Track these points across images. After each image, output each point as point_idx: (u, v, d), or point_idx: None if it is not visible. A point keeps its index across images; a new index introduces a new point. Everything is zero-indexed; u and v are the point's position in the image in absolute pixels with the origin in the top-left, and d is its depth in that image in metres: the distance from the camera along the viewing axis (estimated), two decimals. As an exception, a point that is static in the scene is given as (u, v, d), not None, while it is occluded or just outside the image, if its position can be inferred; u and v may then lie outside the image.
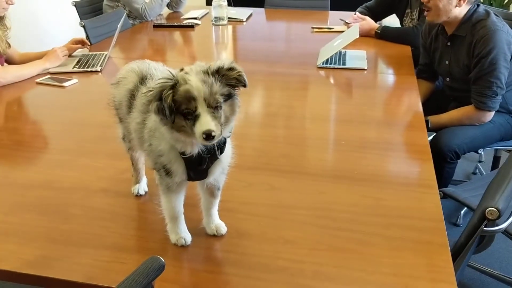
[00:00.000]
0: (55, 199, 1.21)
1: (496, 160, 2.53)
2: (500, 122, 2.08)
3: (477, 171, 2.82)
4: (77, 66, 2.20)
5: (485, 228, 1.03)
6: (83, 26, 2.70)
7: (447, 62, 2.13)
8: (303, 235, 1.07)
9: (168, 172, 0.95)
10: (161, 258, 0.74)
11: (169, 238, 1.04)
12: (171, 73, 0.86)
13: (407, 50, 2.56)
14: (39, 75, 2.09)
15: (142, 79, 1.02)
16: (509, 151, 2.23)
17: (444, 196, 1.75)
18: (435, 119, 2.08)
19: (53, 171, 1.35)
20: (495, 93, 1.96)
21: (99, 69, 2.17)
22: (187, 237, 1.02)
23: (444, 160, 1.95)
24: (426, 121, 2.01)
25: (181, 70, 0.88)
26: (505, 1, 4.15)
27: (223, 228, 1.06)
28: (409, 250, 1.02)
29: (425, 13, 2.07)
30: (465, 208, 2.37)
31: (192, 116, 0.84)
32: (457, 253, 1.08)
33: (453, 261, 1.08)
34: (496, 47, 1.91)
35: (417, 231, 1.08)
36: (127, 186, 1.24)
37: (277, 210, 1.16)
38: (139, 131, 0.98)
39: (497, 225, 1.06)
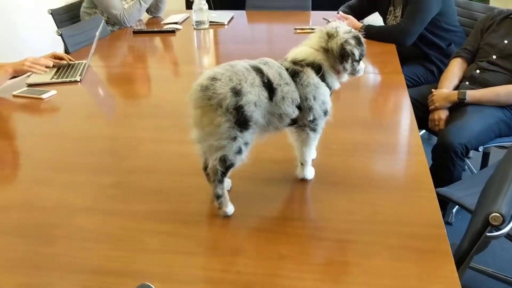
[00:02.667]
0: (36, 220, 1.14)
1: (485, 156, 2.52)
2: (500, 117, 2.10)
3: (466, 168, 2.81)
4: (55, 77, 2.11)
5: (488, 234, 0.99)
6: (60, 35, 2.62)
7: (506, 42, 2.21)
8: (300, 249, 1.02)
9: (326, 112, 1.23)
10: (151, 285, 0.68)
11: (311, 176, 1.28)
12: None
13: (392, 48, 2.53)
14: (16, 88, 2.00)
15: (259, 72, 1.12)
16: (500, 147, 2.23)
17: (438, 197, 1.73)
18: (471, 92, 2.15)
19: (32, 190, 1.27)
20: None
21: (79, 79, 2.09)
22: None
23: (456, 155, 1.95)
24: (464, 93, 2.14)
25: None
26: (485, -4, 4.18)
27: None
28: (411, 260, 0.97)
29: None
30: (457, 205, 2.36)
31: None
32: (460, 260, 1.04)
33: (457, 268, 1.04)
34: None
35: (418, 238, 1.04)
36: (112, 203, 1.18)
37: (272, 222, 1.11)
38: (294, 100, 1.16)
39: (500, 229, 1.02)
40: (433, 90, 2.28)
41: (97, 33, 2.21)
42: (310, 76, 1.17)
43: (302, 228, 1.09)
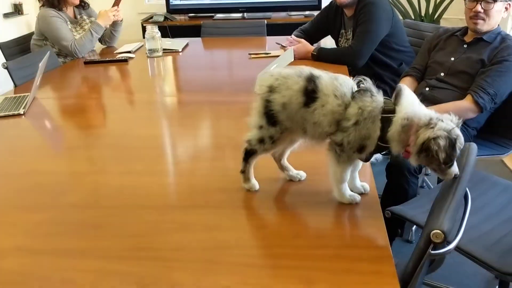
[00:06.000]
0: (-40, 265, 1.05)
1: (441, 172, 2.54)
2: None
3: (424, 184, 2.83)
4: (-3, 111, 2.03)
5: (433, 252, 0.97)
6: (6, 68, 2.54)
7: (452, 59, 2.25)
8: (242, 279, 0.97)
9: (361, 150, 1.15)
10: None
11: (341, 200, 1.23)
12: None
13: (344, 69, 2.56)
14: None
15: (309, 80, 1.17)
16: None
17: (392, 215, 1.71)
18: None
19: (-40, 232, 1.19)
20: (494, 96, 2.08)
21: (22, 112, 2.01)
22: (356, 196, 1.24)
23: (409, 172, 1.94)
24: None
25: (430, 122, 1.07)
26: (435, 17, 4.31)
27: (366, 185, 1.29)
28: (356, 284, 0.94)
29: (479, 21, 2.17)
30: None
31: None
32: (407, 281, 1.01)
33: (404, 289, 1.02)
34: None
35: (362, 261, 1.00)
36: (45, 242, 1.11)
37: (213, 253, 1.06)
38: (334, 113, 1.15)
39: (447, 244, 1.00)
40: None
41: (40, 65, 2.15)
42: (375, 106, 1.11)
43: (244, 257, 1.04)
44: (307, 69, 1.20)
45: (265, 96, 1.21)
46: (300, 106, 1.18)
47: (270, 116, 1.21)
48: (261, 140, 1.25)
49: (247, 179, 1.31)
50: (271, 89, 1.20)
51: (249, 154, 1.28)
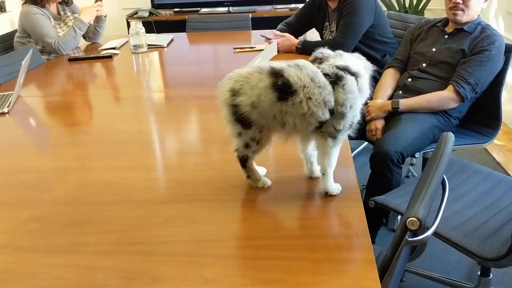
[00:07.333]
0: None
1: (425, 161, 2.58)
2: (434, 123, 2.15)
3: (410, 174, 2.87)
4: (-20, 110, 2.02)
5: (410, 239, 1.00)
6: (-11, 66, 2.53)
7: (434, 50, 2.28)
8: (225, 271, 0.99)
9: (352, 125, 1.24)
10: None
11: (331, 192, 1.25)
12: None
13: (328, 62, 2.57)
14: None
15: (275, 74, 1.15)
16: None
17: (376, 205, 1.74)
18: (404, 101, 2.19)
19: None
20: (475, 85, 2.12)
21: (6, 111, 2.01)
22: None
23: (392, 163, 1.96)
24: (397, 102, 2.19)
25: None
26: (419, 8, 4.35)
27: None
28: (336, 273, 0.96)
29: (458, 12, 2.21)
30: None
31: None
32: (385, 268, 1.04)
33: (384, 276, 1.04)
34: (497, 46, 2.14)
35: (343, 249, 1.03)
36: (29, 239, 1.12)
37: (196, 246, 1.07)
38: (327, 102, 1.16)
39: (426, 230, 1.03)
40: (368, 101, 2.32)
41: (23, 63, 2.14)
42: (353, 84, 1.19)
43: (227, 249, 1.06)
44: (264, 64, 1.18)
45: (229, 101, 1.17)
46: (272, 102, 1.15)
47: (242, 120, 1.18)
48: (246, 145, 1.24)
49: (255, 180, 1.31)
50: (234, 93, 1.16)
51: (243, 161, 1.28)
